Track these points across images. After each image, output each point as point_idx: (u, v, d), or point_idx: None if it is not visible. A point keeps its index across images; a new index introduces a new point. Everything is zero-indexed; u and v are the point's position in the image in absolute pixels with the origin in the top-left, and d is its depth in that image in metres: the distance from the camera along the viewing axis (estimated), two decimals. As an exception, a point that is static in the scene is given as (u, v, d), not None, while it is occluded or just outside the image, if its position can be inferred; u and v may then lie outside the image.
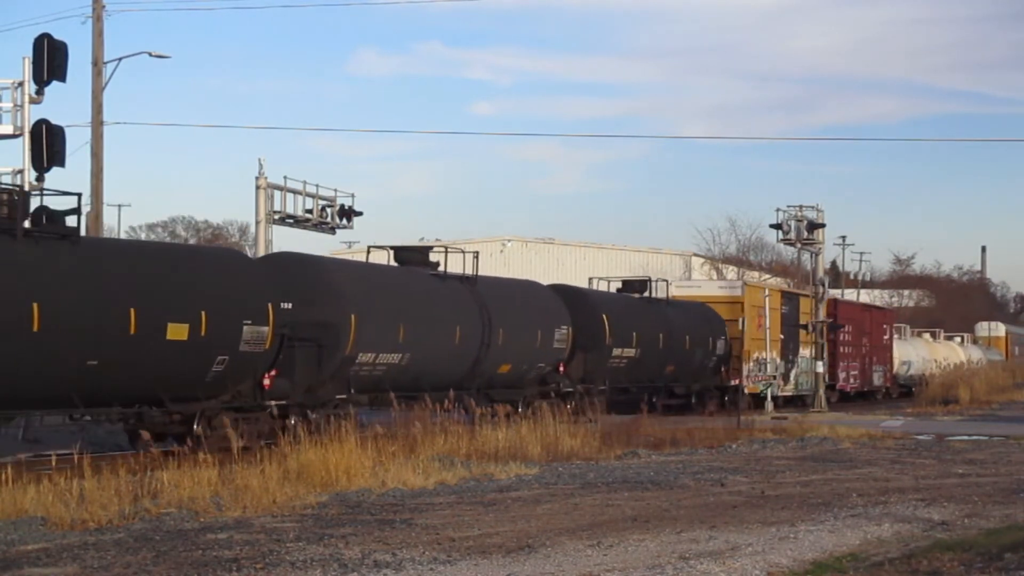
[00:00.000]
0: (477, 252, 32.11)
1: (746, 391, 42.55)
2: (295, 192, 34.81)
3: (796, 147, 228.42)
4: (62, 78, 26.55)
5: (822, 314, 47.01)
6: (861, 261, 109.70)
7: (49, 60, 26.24)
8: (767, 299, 46.08)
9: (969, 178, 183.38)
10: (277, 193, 34.28)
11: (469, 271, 30.55)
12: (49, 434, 22.83)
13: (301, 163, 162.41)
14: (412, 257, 30.63)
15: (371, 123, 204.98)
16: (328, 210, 35.50)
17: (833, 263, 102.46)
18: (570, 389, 32.88)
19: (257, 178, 34.14)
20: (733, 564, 12.17)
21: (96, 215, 37.52)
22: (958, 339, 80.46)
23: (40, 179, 26.34)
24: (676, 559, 12.44)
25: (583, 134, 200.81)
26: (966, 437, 31.31)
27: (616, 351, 36.21)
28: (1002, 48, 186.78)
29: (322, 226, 35.61)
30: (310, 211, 34.97)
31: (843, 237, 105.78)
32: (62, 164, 26.67)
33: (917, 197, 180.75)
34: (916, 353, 66.14)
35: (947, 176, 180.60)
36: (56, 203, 25.13)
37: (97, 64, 39.32)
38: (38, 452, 21.79)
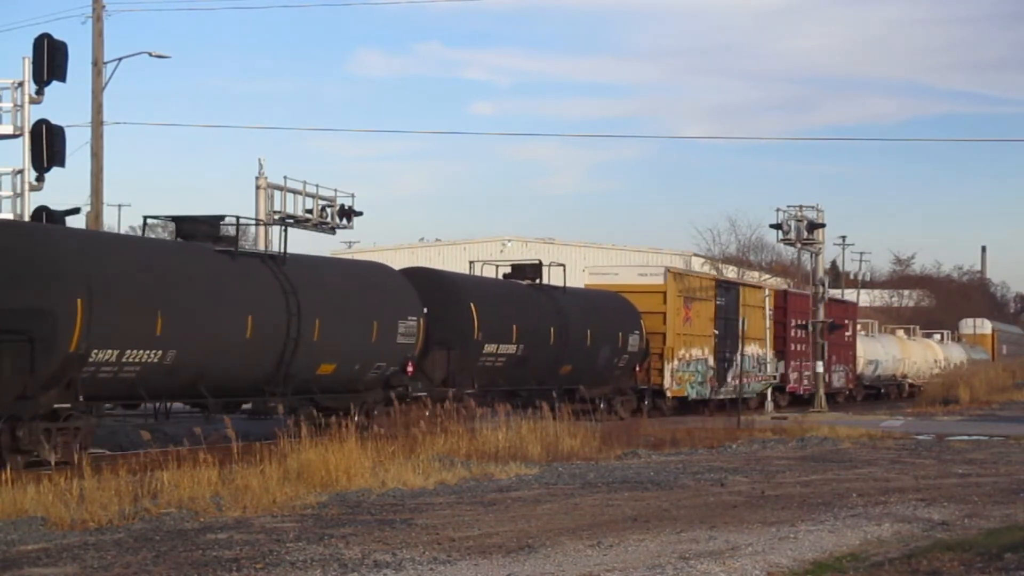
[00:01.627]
0: (285, 226, 27.90)
1: (668, 394, 38.52)
2: (295, 192, 34.84)
3: (796, 147, 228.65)
4: (62, 78, 26.58)
5: (821, 314, 47.02)
6: (861, 261, 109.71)
7: (49, 60, 26.26)
8: (683, 290, 41.01)
9: (969, 178, 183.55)
10: (277, 193, 34.32)
11: (287, 250, 25.46)
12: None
13: (301, 163, 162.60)
14: (197, 230, 24.38)
15: (371, 123, 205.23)
16: (328, 210, 35.53)
17: (833, 263, 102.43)
18: (422, 393, 27.42)
19: (257, 178, 34.18)
20: (733, 564, 12.17)
21: (96, 215, 37.53)
22: (938, 336, 76.25)
23: (40, 179, 26.38)
24: (676, 559, 12.44)
25: (583, 134, 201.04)
26: (966, 437, 31.30)
27: (489, 347, 30.62)
28: (1002, 48, 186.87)
29: (322, 226, 35.64)
30: (310, 211, 35.00)
31: (843, 237, 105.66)
32: (62, 164, 26.70)
33: (917, 197, 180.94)
34: (886, 352, 60.58)
35: (947, 176, 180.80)
36: (56, 203, 25.13)
37: (97, 64, 39.32)
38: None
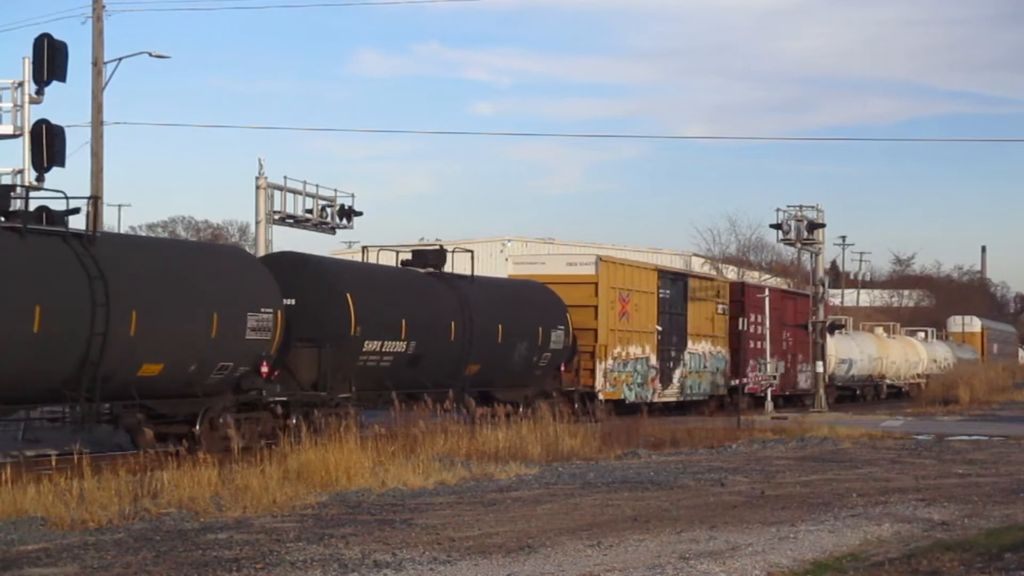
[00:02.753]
0: (96, 199, 23.35)
1: (601, 396, 34.58)
2: (295, 192, 34.80)
3: (796, 147, 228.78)
4: (62, 78, 26.55)
5: (821, 314, 47.01)
6: (861, 261, 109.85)
7: (49, 60, 26.24)
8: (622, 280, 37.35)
9: (969, 178, 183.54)
10: (277, 193, 34.27)
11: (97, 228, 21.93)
12: (48, 434, 22.86)
13: (301, 163, 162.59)
14: None
15: (371, 123, 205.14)
16: (328, 210, 35.49)
17: (833, 263, 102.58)
18: (280, 399, 23.82)
19: (257, 178, 34.14)
20: (733, 564, 12.17)
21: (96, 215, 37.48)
22: (922, 335, 71.49)
23: (40, 179, 26.35)
24: (676, 559, 12.44)
25: (583, 134, 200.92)
26: (966, 437, 31.31)
27: (371, 345, 26.30)
28: (1001, 48, 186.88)
29: (322, 226, 35.60)
30: (310, 211, 34.96)
31: (843, 237, 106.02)
32: (62, 164, 26.67)
33: (917, 197, 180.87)
34: (861, 351, 56.13)
35: (947, 176, 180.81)
36: (56, 203, 25.13)
37: (97, 64, 39.33)
38: (39, 452, 21.83)
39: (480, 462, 21.21)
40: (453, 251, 30.99)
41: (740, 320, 42.27)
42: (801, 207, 45.74)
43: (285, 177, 34.43)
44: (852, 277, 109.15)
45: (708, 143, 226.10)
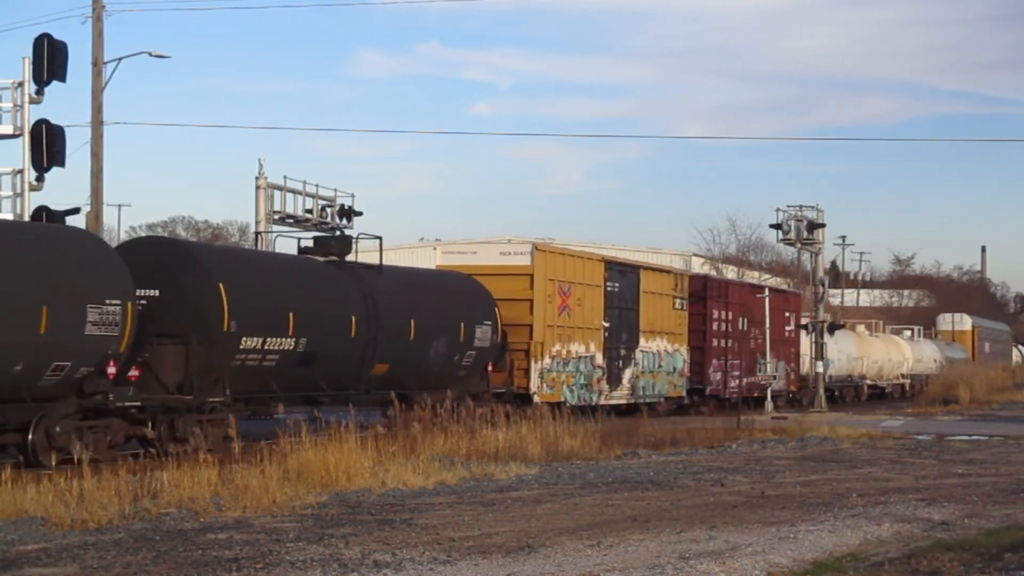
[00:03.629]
0: None
1: (537, 398, 31.15)
2: (295, 192, 34.82)
3: (796, 147, 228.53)
4: (62, 78, 26.58)
5: (821, 313, 47.01)
6: (861, 261, 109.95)
7: (49, 60, 26.26)
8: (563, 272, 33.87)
9: (969, 178, 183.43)
10: (277, 193, 34.29)
11: None
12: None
13: (301, 163, 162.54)
14: None
15: (371, 123, 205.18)
16: (328, 210, 35.50)
17: (833, 263, 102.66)
18: (134, 403, 21.36)
19: (257, 178, 34.17)
20: (733, 564, 12.17)
21: (96, 215, 37.54)
22: (908, 333, 68.63)
23: (40, 179, 26.38)
24: (676, 559, 12.44)
25: (583, 134, 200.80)
26: (966, 437, 31.32)
27: (249, 342, 23.33)
28: (1001, 48, 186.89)
29: (322, 226, 35.60)
30: (310, 211, 34.98)
31: (843, 237, 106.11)
32: (62, 164, 26.71)
33: (917, 197, 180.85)
34: (839, 349, 53.03)
35: (947, 176, 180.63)
36: (56, 203, 25.12)
37: (97, 64, 39.33)
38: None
39: (480, 462, 21.21)
40: (357, 237, 27.72)
41: (702, 316, 40.44)
42: (801, 207, 45.77)
43: (285, 177, 34.46)
44: (852, 277, 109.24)
45: (708, 143, 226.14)
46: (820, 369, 46.64)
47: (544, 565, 12.17)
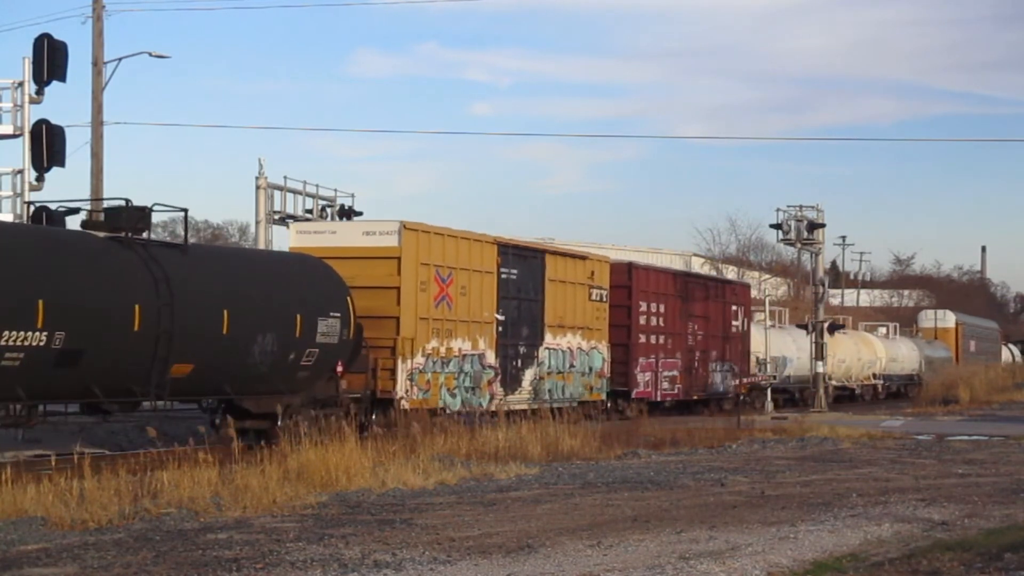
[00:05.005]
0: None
1: (404, 403, 26.74)
2: (295, 192, 34.82)
3: (795, 147, 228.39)
4: (62, 78, 26.62)
5: (822, 313, 47.02)
6: (861, 261, 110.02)
7: (49, 60, 26.30)
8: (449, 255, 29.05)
9: (969, 178, 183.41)
10: (277, 193, 34.29)
11: None
12: (48, 434, 22.87)
13: (301, 163, 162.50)
14: None
15: (371, 123, 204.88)
16: (328, 210, 35.50)
17: (833, 263, 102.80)
18: None
19: (257, 178, 34.16)
20: (733, 564, 12.17)
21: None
22: (883, 330, 63.65)
23: (40, 179, 26.42)
24: (676, 559, 12.44)
25: (583, 134, 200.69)
26: (966, 437, 31.32)
27: None
28: (1000, 49, 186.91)
29: (322, 226, 35.58)
30: (310, 211, 34.97)
31: (843, 237, 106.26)
32: (62, 164, 26.75)
33: (917, 197, 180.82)
34: (798, 346, 49.09)
35: (947, 176, 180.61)
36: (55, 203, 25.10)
37: (97, 64, 39.34)
38: (38, 452, 21.85)
39: (480, 462, 21.22)
40: (152, 208, 21.92)
41: (627, 309, 36.14)
42: (801, 207, 45.80)
43: (285, 177, 34.46)
44: (852, 277, 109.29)
45: (708, 143, 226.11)
46: (820, 369, 46.63)
47: (544, 565, 12.17)
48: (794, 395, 49.44)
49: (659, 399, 37.29)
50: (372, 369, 26.46)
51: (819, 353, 46.61)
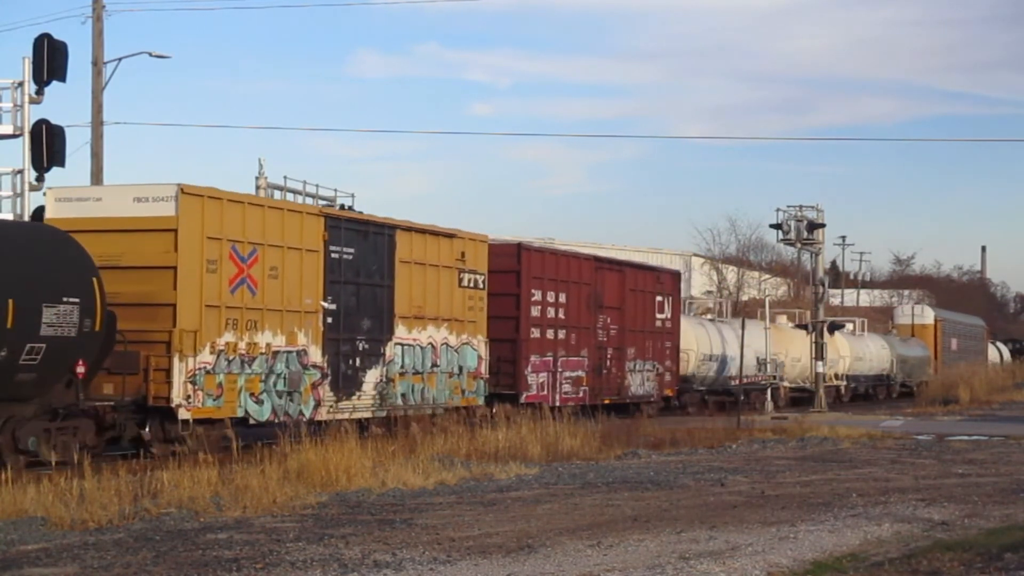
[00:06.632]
0: None
1: (186, 413, 21.73)
2: (295, 192, 34.72)
3: (795, 147, 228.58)
4: (62, 78, 26.63)
5: (822, 313, 47.01)
6: (861, 261, 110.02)
7: (49, 60, 26.31)
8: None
9: (969, 178, 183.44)
10: (277, 193, 34.24)
11: None
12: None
13: (301, 163, 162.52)
14: None
15: (371, 123, 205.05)
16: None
17: (833, 263, 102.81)
18: None
19: (257, 178, 34.08)
20: (733, 564, 12.17)
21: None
22: (849, 326, 57.86)
23: (40, 179, 26.43)
24: (676, 559, 12.44)
25: (583, 134, 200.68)
26: (966, 437, 31.31)
27: None
28: (999, 49, 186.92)
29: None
30: (310, 211, 34.89)
31: (843, 237, 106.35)
32: (62, 164, 26.76)
33: (917, 197, 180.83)
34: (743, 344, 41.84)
35: (947, 176, 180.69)
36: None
37: (97, 64, 39.35)
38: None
39: (480, 462, 21.22)
40: None
41: (515, 299, 31.10)
42: (801, 207, 45.78)
43: (285, 177, 34.33)
44: (852, 277, 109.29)
45: (708, 143, 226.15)
46: (820, 369, 46.59)
47: (544, 565, 12.17)
48: (743, 397, 41.45)
49: (558, 404, 31.02)
50: (146, 368, 21.63)
51: (819, 353, 46.57)
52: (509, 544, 13.36)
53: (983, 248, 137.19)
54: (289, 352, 24.33)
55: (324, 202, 36.18)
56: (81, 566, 12.05)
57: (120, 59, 40.33)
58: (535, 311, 31.72)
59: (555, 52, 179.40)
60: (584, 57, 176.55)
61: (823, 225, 46.41)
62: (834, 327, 49.11)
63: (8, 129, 26.46)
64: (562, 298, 32.86)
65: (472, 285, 29.87)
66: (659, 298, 38.26)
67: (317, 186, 35.65)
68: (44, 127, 26.28)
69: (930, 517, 15.74)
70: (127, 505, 15.20)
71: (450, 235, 29.32)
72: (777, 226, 45.59)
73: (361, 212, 27.96)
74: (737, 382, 39.65)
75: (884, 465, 23.08)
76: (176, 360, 21.72)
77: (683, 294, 45.44)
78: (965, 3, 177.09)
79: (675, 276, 40.74)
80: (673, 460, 23.66)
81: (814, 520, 15.33)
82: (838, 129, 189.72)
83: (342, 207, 34.23)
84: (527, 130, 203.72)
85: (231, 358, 22.95)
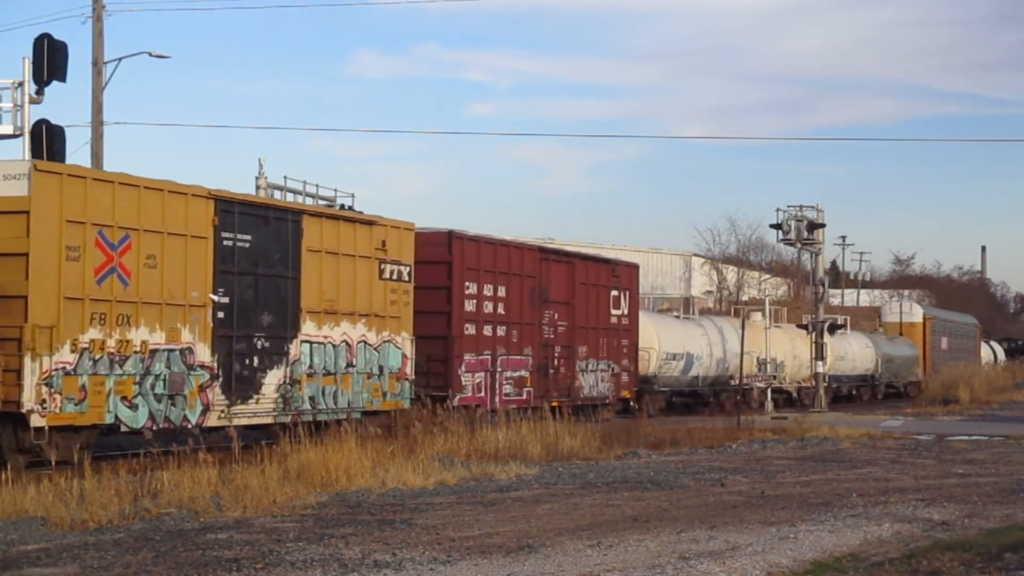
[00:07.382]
0: None
1: (40, 420, 19.22)
2: (295, 192, 34.72)
3: (795, 147, 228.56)
4: (62, 78, 26.59)
5: (822, 313, 47.00)
6: (861, 261, 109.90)
7: (49, 60, 26.27)
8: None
9: (969, 178, 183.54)
10: (277, 193, 34.27)
11: None
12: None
13: (301, 163, 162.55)
14: None
15: (371, 123, 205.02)
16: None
17: (833, 263, 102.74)
18: None
19: (257, 178, 34.10)
20: (733, 564, 12.17)
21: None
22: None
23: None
24: (676, 559, 12.44)
25: (583, 134, 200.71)
26: (966, 437, 31.31)
27: None
28: (998, 49, 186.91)
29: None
30: (310, 211, 34.88)
31: (843, 237, 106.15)
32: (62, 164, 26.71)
33: (917, 197, 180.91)
34: (709, 342, 42.12)
35: (947, 176, 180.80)
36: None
37: (97, 64, 39.35)
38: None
39: (480, 462, 21.22)
40: None
41: (447, 292, 28.63)
42: (801, 207, 45.80)
43: (285, 177, 34.34)
44: (852, 277, 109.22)
45: (708, 143, 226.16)
46: (820, 369, 46.57)
47: (544, 565, 12.17)
48: (711, 399, 41.80)
49: (497, 406, 28.95)
50: None
51: (819, 353, 46.56)
52: (509, 544, 13.36)
53: (983, 248, 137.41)
54: (171, 350, 21.72)
55: (324, 202, 36.25)
56: (81, 566, 12.05)
57: (120, 59, 40.36)
58: (470, 305, 29.26)
59: (555, 52, 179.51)
60: (584, 57, 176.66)
61: (823, 225, 46.42)
62: (834, 327, 49.04)
63: (8, 129, 26.41)
64: (501, 292, 30.38)
65: (395, 277, 27.25)
66: (615, 293, 35.63)
67: (317, 186, 35.62)
68: (44, 127, 26.24)
69: (930, 517, 15.73)
70: (127, 505, 15.21)
71: (369, 222, 26.83)
72: (777, 226, 45.61)
73: (259, 196, 25.71)
74: (736, 381, 39.03)
75: (884, 465, 23.09)
76: (28, 360, 19.25)
77: (683, 294, 45.26)
78: (965, 3, 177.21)
79: (632, 269, 37.95)
80: (673, 460, 23.66)
81: (814, 520, 15.33)
82: (838, 129, 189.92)
83: (342, 207, 34.29)
84: (527, 130, 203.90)
85: (97, 357, 20.38)
